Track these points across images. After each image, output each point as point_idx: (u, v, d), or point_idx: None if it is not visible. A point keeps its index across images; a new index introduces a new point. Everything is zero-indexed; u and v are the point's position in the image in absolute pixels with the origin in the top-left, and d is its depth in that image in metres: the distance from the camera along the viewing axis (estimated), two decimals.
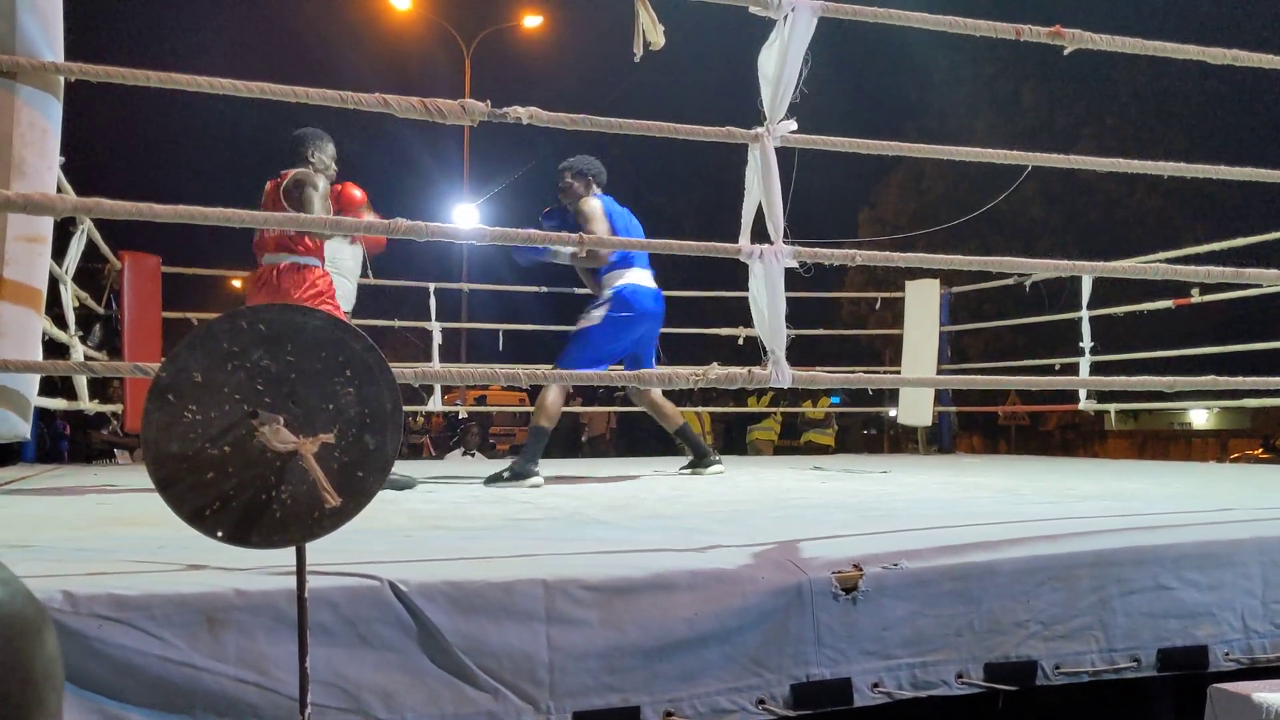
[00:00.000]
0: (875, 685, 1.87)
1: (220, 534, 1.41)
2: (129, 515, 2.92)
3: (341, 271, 6.50)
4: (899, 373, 8.33)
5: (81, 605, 1.50)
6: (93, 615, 1.51)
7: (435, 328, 7.64)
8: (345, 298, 6.53)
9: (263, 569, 1.67)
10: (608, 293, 4.87)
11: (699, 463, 5.25)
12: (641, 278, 4.94)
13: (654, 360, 5.14)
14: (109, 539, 2.30)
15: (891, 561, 1.94)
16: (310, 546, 1.49)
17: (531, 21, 21.53)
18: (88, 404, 6.09)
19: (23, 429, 2.21)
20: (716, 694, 1.78)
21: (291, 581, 1.55)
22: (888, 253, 2.76)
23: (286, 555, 1.53)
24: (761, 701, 1.80)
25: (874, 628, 1.88)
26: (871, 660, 1.88)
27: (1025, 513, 2.80)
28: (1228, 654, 2.13)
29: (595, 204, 4.85)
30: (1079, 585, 2.05)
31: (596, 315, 4.86)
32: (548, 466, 6.96)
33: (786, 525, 2.63)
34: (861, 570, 1.90)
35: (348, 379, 1.43)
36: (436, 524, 2.69)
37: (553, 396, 4.73)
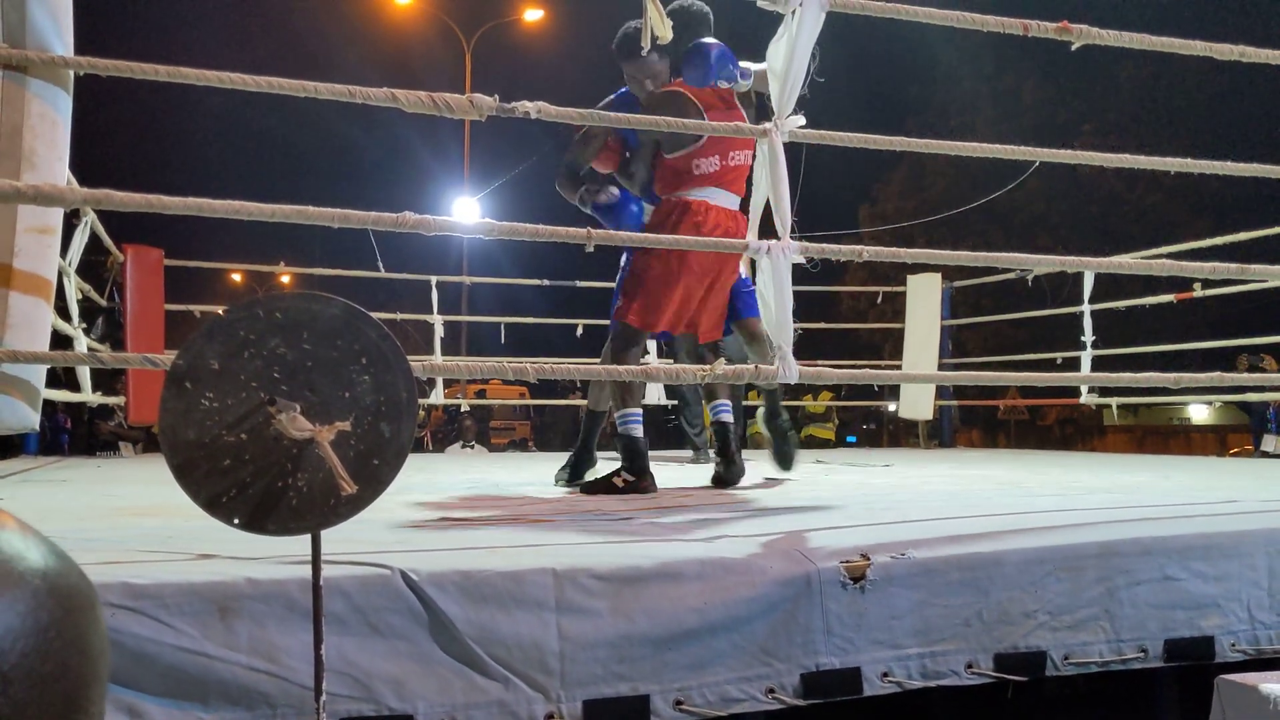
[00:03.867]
0: (885, 675, 1.88)
1: (236, 521, 1.42)
2: (137, 506, 2.93)
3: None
4: (900, 367, 8.35)
5: None
6: (105, 604, 1.52)
7: (437, 320, 7.65)
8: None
9: (274, 558, 1.67)
10: None
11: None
12: None
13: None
14: (118, 529, 2.31)
15: (899, 551, 1.95)
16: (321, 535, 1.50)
17: (532, 15, 21.52)
18: (91, 396, 6.11)
19: (33, 420, 2.21)
20: (726, 683, 1.79)
21: (302, 570, 1.55)
22: (894, 249, 2.77)
23: (296, 544, 1.54)
24: (771, 690, 1.81)
25: (883, 617, 1.89)
26: (881, 650, 1.88)
27: (1031, 504, 2.81)
28: (1234, 644, 2.14)
29: None
30: (1086, 576, 2.06)
31: None
32: (551, 460, 6.96)
33: (793, 516, 2.64)
34: (869, 560, 1.91)
35: (363, 367, 1.44)
36: (444, 514, 2.70)
37: None
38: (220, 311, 1.55)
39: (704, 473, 4.61)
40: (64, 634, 0.49)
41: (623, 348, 3.75)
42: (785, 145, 2.67)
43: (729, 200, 3.70)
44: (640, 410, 3.74)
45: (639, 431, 3.67)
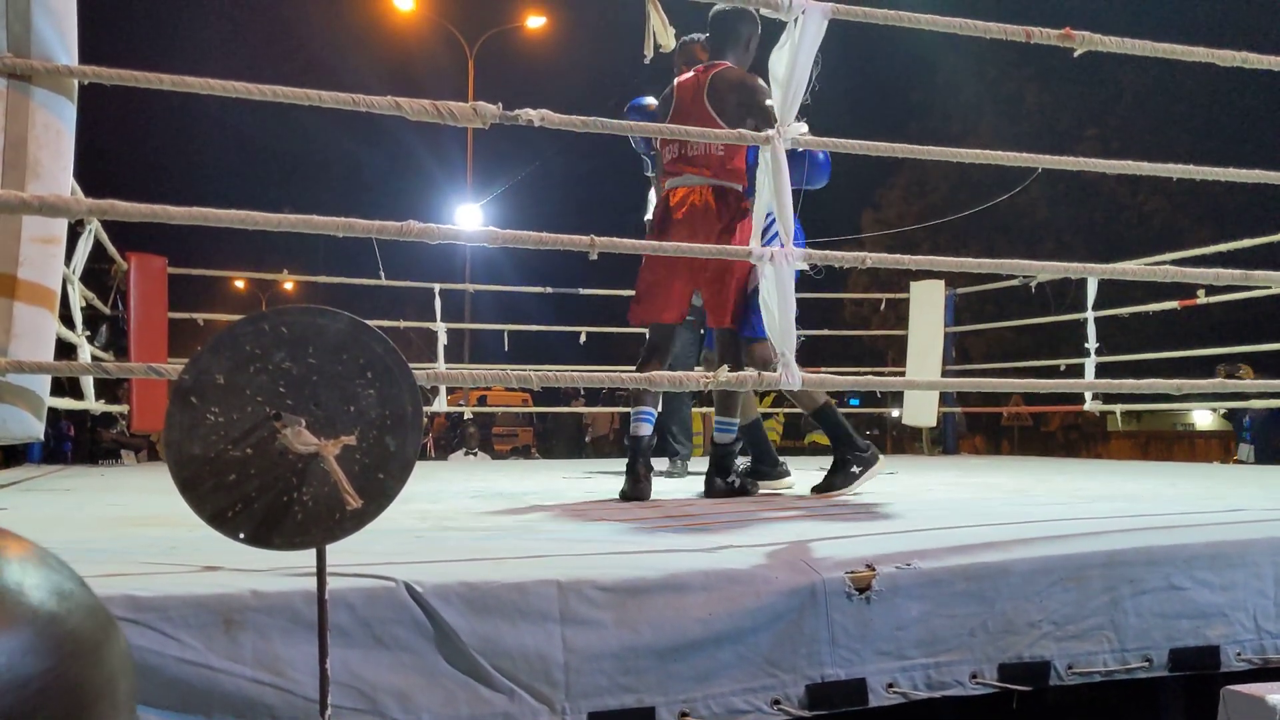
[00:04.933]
0: (890, 685, 1.87)
1: (242, 535, 1.41)
2: (140, 516, 2.92)
3: None
4: (903, 373, 8.33)
5: None
6: None
7: (440, 328, 7.63)
8: None
9: (278, 570, 1.67)
10: None
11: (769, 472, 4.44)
12: None
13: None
14: (121, 539, 2.31)
15: (904, 561, 1.95)
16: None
17: (535, 22, 21.55)
18: (94, 404, 6.11)
19: (37, 429, 2.21)
20: (731, 694, 1.78)
21: (307, 583, 1.55)
22: (897, 255, 2.76)
23: (301, 557, 1.54)
24: (776, 702, 1.80)
25: (888, 628, 1.89)
26: (886, 660, 1.88)
27: (1036, 513, 2.80)
28: (1239, 654, 2.13)
29: None
30: (1091, 585, 2.05)
31: None
32: (554, 468, 6.96)
33: (797, 526, 2.64)
34: (875, 570, 1.91)
35: (369, 381, 1.44)
36: (447, 525, 2.70)
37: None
38: (225, 322, 1.54)
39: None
40: (50, 688, 0.46)
41: (647, 346, 3.88)
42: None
43: (699, 180, 3.79)
44: (653, 411, 3.78)
45: (644, 430, 3.71)
